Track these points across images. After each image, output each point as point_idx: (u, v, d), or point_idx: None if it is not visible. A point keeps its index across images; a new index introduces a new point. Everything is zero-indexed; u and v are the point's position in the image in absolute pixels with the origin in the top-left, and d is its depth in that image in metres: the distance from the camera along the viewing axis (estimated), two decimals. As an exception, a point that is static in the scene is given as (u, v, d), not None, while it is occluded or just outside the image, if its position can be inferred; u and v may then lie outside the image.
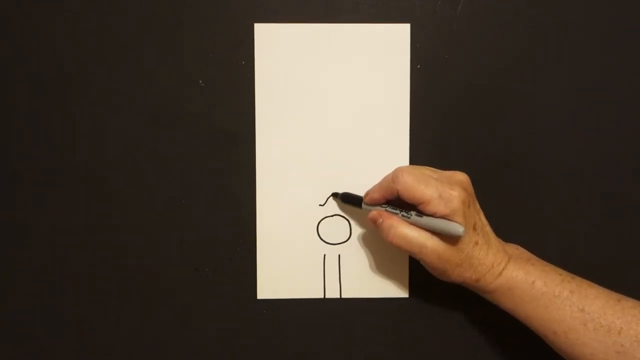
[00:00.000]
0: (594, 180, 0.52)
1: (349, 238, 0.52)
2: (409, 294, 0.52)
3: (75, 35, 0.50)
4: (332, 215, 0.52)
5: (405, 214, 0.45)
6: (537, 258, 0.47)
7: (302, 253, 0.52)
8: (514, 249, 0.47)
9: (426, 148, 0.51)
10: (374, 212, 0.47)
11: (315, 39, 0.51)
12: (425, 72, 0.51)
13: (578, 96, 0.51)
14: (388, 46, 0.51)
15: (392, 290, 0.52)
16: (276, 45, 0.51)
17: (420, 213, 0.44)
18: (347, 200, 0.50)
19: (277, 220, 0.52)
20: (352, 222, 0.52)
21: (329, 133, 0.51)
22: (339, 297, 0.52)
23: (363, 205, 0.48)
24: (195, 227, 0.52)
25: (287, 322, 0.52)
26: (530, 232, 0.52)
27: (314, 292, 0.52)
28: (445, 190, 0.43)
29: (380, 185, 0.47)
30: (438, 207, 0.43)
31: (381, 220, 0.46)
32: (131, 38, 0.50)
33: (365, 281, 0.52)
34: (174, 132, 0.51)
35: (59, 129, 0.51)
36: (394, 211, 0.46)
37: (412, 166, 0.48)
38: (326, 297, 0.52)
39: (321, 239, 0.52)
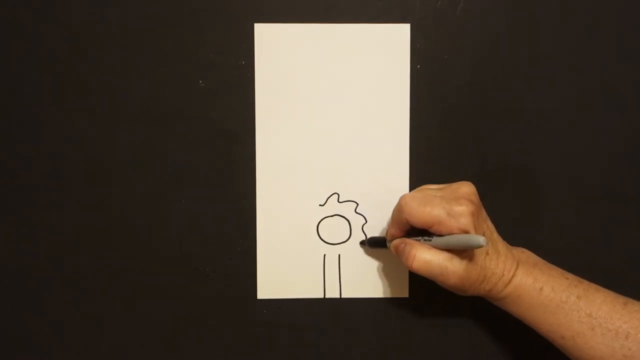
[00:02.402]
0: (595, 182, 0.52)
1: (349, 238, 0.52)
2: (409, 294, 0.52)
3: (74, 35, 0.50)
4: (332, 215, 0.52)
5: (427, 238, 0.44)
6: (544, 261, 0.47)
7: (302, 253, 0.52)
8: (521, 252, 0.47)
9: (426, 148, 0.51)
10: (397, 240, 0.47)
11: (315, 39, 0.51)
12: (425, 72, 0.51)
13: (579, 97, 0.51)
14: (388, 46, 0.51)
15: (392, 290, 0.52)
16: (276, 45, 0.51)
17: (437, 235, 0.44)
18: (374, 244, 0.51)
19: (277, 220, 0.52)
20: (352, 222, 0.52)
21: (329, 133, 0.51)
22: (339, 297, 0.52)
23: (388, 244, 0.48)
24: (195, 227, 0.52)
25: (287, 322, 0.52)
26: (530, 234, 0.52)
27: (314, 292, 0.52)
28: (453, 207, 0.43)
29: (392, 219, 0.47)
30: (450, 225, 0.43)
31: (403, 245, 0.45)
32: (131, 38, 0.50)
33: (365, 281, 0.52)
34: (174, 132, 0.51)
35: (58, 129, 0.51)
36: (416, 239, 0.45)
37: (415, 190, 0.48)
38: (326, 297, 0.52)
39: (321, 239, 0.52)
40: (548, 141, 0.51)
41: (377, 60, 0.51)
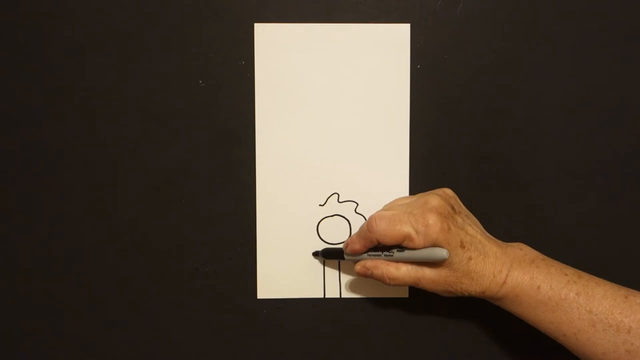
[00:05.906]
0: (595, 182, 0.52)
1: (348, 238, 0.52)
2: (409, 294, 0.52)
3: (74, 34, 0.50)
4: (332, 215, 0.52)
5: (388, 253, 0.45)
6: (543, 256, 0.46)
7: (302, 253, 0.52)
8: (517, 249, 0.46)
9: (426, 148, 0.51)
10: (358, 266, 0.47)
11: (315, 39, 0.51)
12: (425, 72, 0.51)
13: (578, 96, 0.51)
14: (388, 46, 0.51)
15: (392, 290, 0.52)
16: (276, 45, 0.51)
17: (402, 248, 0.45)
18: (329, 255, 0.51)
19: (277, 220, 0.52)
20: (352, 222, 0.52)
21: (329, 133, 0.51)
22: (339, 297, 0.52)
23: (345, 256, 0.49)
24: (195, 227, 0.52)
25: (287, 322, 0.52)
26: (531, 234, 0.51)
27: (314, 292, 0.52)
28: (419, 222, 0.43)
29: (358, 235, 0.47)
30: (418, 241, 0.43)
31: (370, 272, 0.46)
32: (131, 38, 0.50)
33: (365, 281, 0.52)
34: (174, 132, 0.51)
35: (58, 129, 0.51)
36: (376, 254, 0.46)
37: (384, 208, 0.49)
38: (326, 297, 0.52)
39: (321, 239, 0.52)
40: (547, 140, 0.51)
41: (377, 60, 0.51)
